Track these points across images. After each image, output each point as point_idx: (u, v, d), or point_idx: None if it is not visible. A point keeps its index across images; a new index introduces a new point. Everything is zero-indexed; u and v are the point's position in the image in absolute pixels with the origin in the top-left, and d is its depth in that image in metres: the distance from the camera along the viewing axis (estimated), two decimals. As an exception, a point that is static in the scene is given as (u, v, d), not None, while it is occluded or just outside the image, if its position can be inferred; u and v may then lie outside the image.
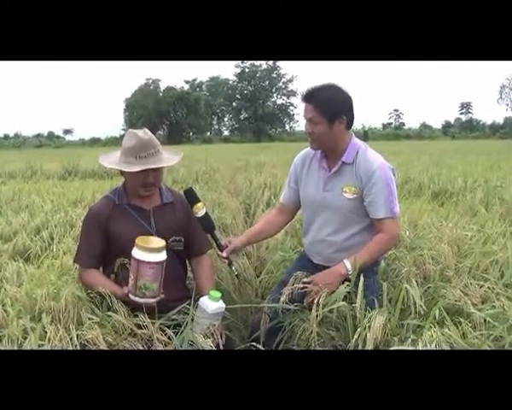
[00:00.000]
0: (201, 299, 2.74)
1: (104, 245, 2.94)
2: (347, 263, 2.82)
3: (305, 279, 2.88)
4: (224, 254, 3.04)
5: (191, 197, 3.03)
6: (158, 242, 2.68)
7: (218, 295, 2.75)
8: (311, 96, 2.89)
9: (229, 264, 3.09)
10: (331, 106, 2.86)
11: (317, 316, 2.60)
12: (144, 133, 2.89)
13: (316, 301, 2.64)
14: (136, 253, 2.61)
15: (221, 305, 2.75)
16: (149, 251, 2.59)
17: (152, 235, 2.84)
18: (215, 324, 2.72)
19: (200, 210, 2.99)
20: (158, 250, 2.61)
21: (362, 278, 2.63)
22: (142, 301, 2.63)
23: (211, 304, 2.71)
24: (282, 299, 2.83)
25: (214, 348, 2.53)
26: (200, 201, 3.03)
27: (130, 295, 2.65)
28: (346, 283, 2.72)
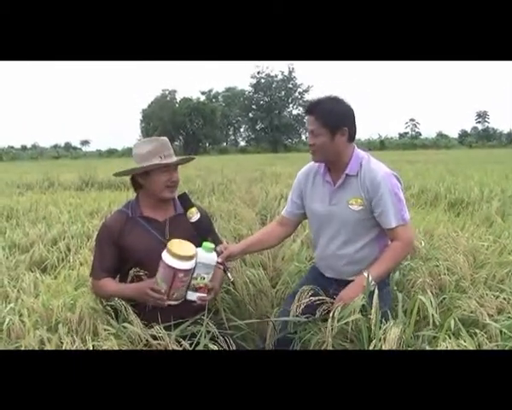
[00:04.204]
0: (196, 249, 2.77)
1: (118, 259, 2.96)
2: (366, 274, 2.80)
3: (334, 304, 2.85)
4: (219, 260, 2.94)
5: (185, 202, 2.99)
6: (182, 250, 2.69)
7: (211, 246, 2.78)
8: (313, 108, 2.89)
9: (225, 270, 3.01)
10: (332, 117, 2.85)
11: (332, 329, 2.58)
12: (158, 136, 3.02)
13: (331, 313, 2.63)
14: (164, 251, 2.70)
15: (211, 257, 2.78)
16: (167, 251, 2.66)
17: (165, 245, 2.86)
18: (204, 276, 2.77)
19: (193, 215, 2.94)
20: (175, 256, 2.63)
21: (376, 289, 2.62)
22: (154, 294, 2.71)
23: (200, 253, 2.75)
24: (291, 313, 2.84)
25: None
26: (193, 206, 2.99)
27: None
28: (361, 295, 2.71)
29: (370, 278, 2.77)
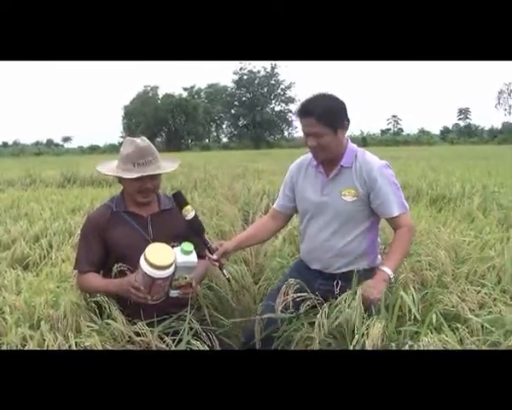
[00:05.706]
0: (175, 249, 2.75)
1: (102, 252, 2.96)
2: (386, 269, 2.84)
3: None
4: (215, 257, 2.97)
5: (180, 200, 3.00)
6: (159, 258, 2.64)
7: (190, 248, 2.75)
8: (311, 110, 2.86)
9: (220, 267, 3.03)
10: (333, 115, 2.86)
11: (322, 326, 2.58)
12: (142, 141, 2.95)
13: (320, 312, 2.63)
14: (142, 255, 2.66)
15: (191, 259, 2.75)
16: (145, 260, 2.62)
17: (149, 241, 2.85)
18: (185, 276, 2.76)
19: (189, 213, 2.95)
20: (152, 265, 2.60)
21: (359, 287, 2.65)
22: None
23: (179, 256, 2.72)
24: (279, 308, 2.84)
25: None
26: (188, 203, 3.00)
27: None
28: (347, 292, 2.70)
29: (390, 271, 2.82)
